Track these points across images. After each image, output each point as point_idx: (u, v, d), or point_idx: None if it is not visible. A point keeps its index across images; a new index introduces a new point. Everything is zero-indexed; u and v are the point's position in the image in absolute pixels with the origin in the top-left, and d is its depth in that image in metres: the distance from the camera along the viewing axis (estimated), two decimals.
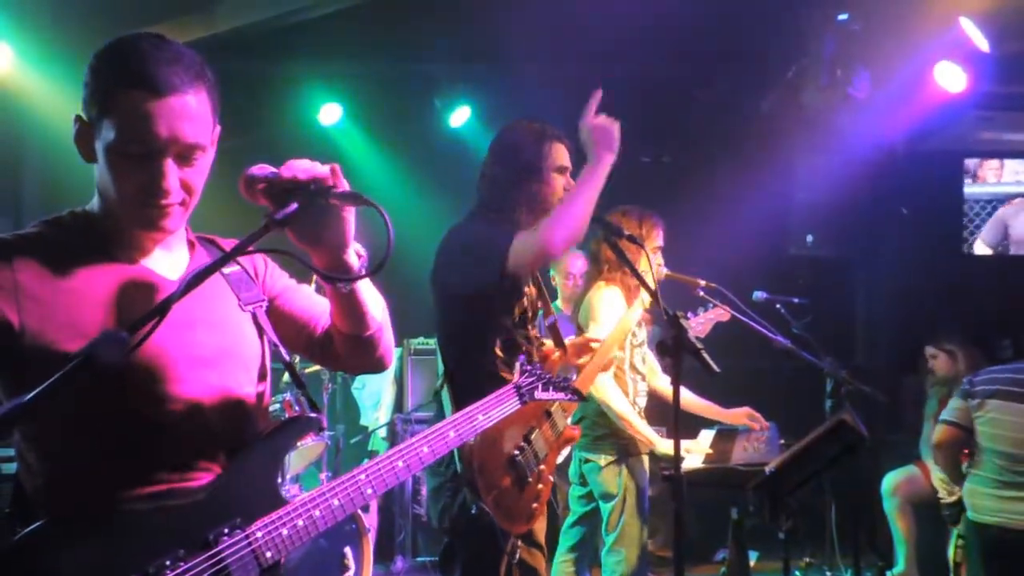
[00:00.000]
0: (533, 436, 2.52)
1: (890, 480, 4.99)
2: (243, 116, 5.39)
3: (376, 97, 5.98)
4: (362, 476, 1.55)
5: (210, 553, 1.37)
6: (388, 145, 6.31)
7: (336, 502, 1.50)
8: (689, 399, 3.77)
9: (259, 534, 1.43)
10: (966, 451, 3.99)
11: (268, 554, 1.42)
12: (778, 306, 4.52)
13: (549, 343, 2.84)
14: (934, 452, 4.23)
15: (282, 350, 1.61)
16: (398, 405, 5.81)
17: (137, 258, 1.49)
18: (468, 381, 2.54)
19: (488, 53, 5.77)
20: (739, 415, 3.78)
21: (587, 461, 3.60)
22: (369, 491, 1.55)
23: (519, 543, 2.51)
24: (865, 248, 6.45)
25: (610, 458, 3.53)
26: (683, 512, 2.56)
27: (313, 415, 1.58)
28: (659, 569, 5.26)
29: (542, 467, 2.55)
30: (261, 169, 1.39)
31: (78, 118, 1.44)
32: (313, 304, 1.74)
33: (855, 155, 5.86)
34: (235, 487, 1.45)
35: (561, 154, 2.74)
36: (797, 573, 4.93)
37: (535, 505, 2.54)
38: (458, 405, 2.50)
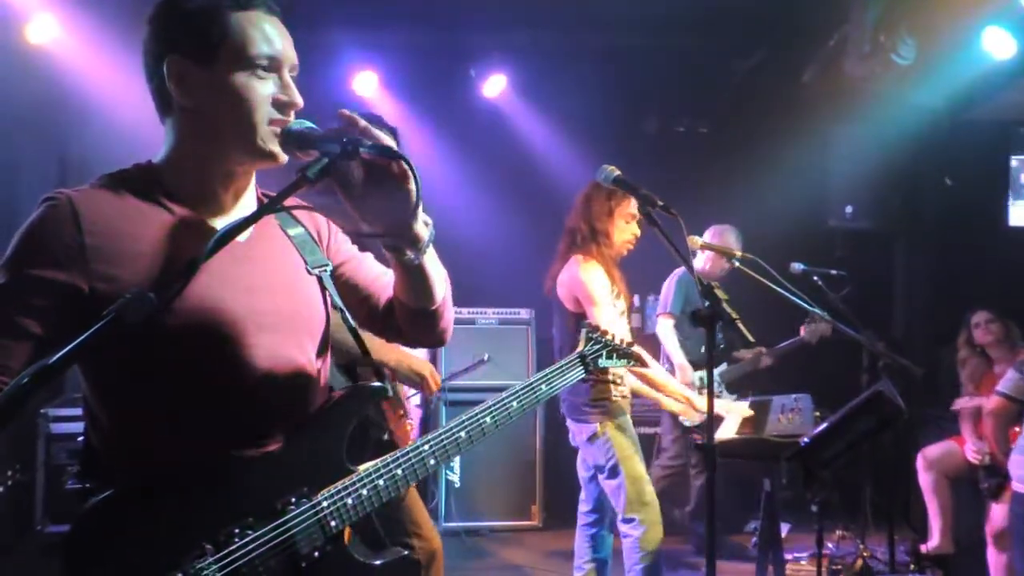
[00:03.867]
0: None
1: (926, 454, 4.94)
2: None
3: (411, 66, 5.97)
4: (426, 447, 1.56)
5: (278, 522, 1.39)
6: (423, 114, 6.30)
7: (400, 472, 1.52)
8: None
9: (325, 503, 1.44)
10: (1016, 428, 3.97)
11: (333, 523, 1.44)
12: (815, 278, 4.48)
13: None
14: (985, 419, 4.23)
15: (348, 316, 1.57)
16: None
17: (206, 215, 1.47)
18: None
19: (524, 22, 5.72)
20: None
21: (576, 432, 3.58)
22: (432, 462, 1.56)
23: None
24: (906, 220, 6.34)
25: (592, 428, 3.49)
26: (715, 482, 2.56)
27: (380, 384, 1.56)
28: (690, 538, 5.29)
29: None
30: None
31: (174, 61, 1.40)
32: (378, 275, 1.71)
33: (898, 124, 5.74)
34: (302, 455, 1.45)
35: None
36: (830, 546, 4.92)
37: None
38: None
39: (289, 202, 1.34)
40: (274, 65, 1.43)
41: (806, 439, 3.17)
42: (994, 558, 4.24)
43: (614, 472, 3.46)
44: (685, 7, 5.28)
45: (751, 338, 2.45)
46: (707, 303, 2.39)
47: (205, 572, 1.32)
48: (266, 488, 1.41)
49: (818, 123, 5.96)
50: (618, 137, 6.04)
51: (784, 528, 5.13)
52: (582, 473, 3.73)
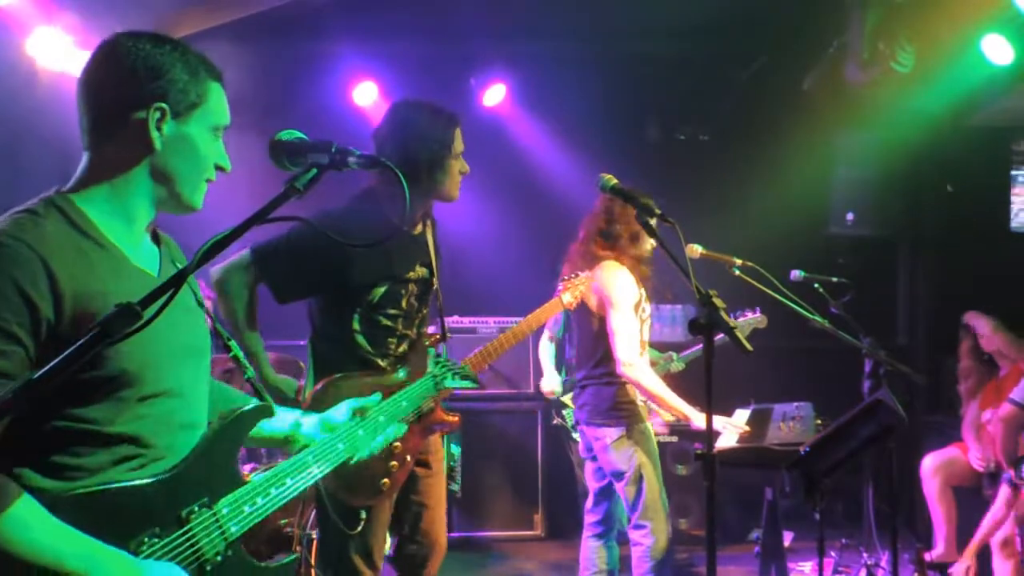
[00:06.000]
0: None
1: (929, 461, 4.92)
2: (277, 96, 5.42)
3: (412, 76, 5.99)
4: (310, 458, 1.82)
5: (183, 530, 1.52)
6: None
7: (289, 481, 1.74)
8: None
9: (224, 510, 1.59)
10: None
11: (233, 528, 1.60)
12: (816, 285, 4.46)
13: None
14: (995, 424, 4.23)
15: (238, 345, 1.81)
16: None
17: (125, 249, 1.55)
18: (327, 350, 2.67)
19: (524, 31, 5.73)
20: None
21: (596, 438, 3.56)
22: (316, 471, 1.82)
23: (363, 515, 2.55)
24: (907, 227, 6.33)
25: (616, 433, 3.48)
26: (715, 491, 2.54)
27: (266, 403, 1.74)
28: (693, 548, 5.27)
29: (395, 444, 2.50)
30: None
31: (161, 108, 1.52)
32: None
33: (898, 131, 5.74)
34: (202, 468, 1.58)
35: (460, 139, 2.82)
36: (833, 554, 4.90)
37: (385, 480, 2.57)
38: (316, 370, 2.65)
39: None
40: (222, 134, 1.63)
41: (806, 448, 3.16)
42: (1000, 565, 4.22)
43: (636, 476, 3.44)
44: (685, 15, 5.29)
45: (749, 347, 2.43)
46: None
47: None
48: (171, 499, 1.53)
49: (819, 130, 5.96)
50: (619, 145, 6.05)
51: (787, 537, 5.11)
52: (593, 483, 3.71)
